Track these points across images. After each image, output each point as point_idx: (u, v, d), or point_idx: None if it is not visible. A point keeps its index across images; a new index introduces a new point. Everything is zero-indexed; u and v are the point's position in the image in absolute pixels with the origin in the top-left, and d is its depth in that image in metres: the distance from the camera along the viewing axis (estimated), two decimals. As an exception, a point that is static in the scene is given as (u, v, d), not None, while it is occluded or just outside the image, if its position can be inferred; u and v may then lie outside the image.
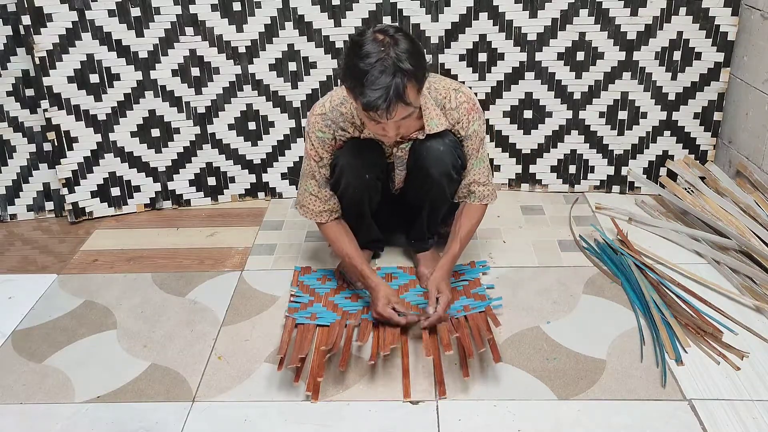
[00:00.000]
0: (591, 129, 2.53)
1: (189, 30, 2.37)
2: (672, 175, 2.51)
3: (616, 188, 2.60)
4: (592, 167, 2.58)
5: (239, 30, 2.39)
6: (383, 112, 1.58)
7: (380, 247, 2.18)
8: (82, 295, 2.04)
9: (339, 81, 1.66)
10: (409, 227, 2.09)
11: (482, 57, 2.46)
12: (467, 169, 1.92)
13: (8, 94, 2.39)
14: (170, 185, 2.56)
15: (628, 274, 2.02)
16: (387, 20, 2.40)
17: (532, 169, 2.61)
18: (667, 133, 2.51)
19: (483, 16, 2.41)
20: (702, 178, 2.42)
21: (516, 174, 2.62)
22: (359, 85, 1.58)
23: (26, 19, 2.23)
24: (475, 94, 2.48)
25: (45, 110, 2.34)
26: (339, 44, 2.42)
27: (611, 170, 2.58)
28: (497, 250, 2.23)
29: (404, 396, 1.60)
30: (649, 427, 1.51)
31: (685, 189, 2.39)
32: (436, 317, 1.76)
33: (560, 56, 2.44)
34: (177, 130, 2.49)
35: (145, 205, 2.57)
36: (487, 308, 1.85)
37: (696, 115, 2.48)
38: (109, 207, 2.52)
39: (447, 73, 2.48)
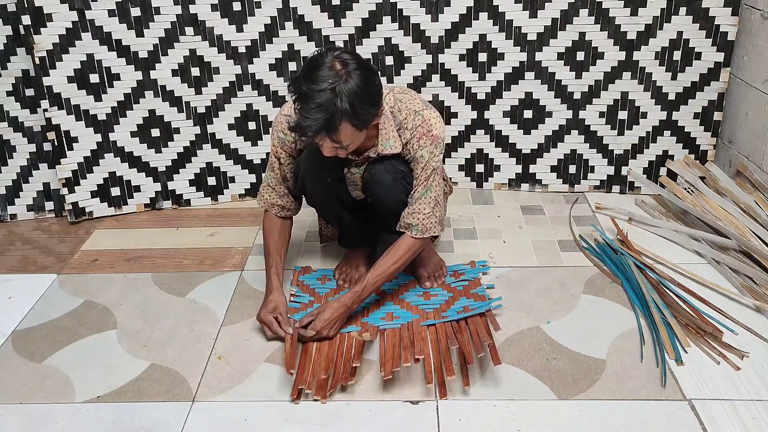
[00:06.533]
0: (591, 129, 2.53)
1: (189, 30, 2.37)
2: (672, 175, 2.51)
3: (616, 188, 2.60)
4: (592, 167, 2.59)
5: (239, 30, 2.39)
6: (307, 138, 1.63)
7: (372, 240, 2.16)
8: (82, 295, 2.04)
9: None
10: (393, 231, 2.08)
11: (482, 57, 2.46)
12: (412, 196, 1.81)
13: (8, 94, 2.38)
14: (170, 185, 2.56)
15: (628, 274, 2.02)
16: (387, 20, 2.40)
17: (532, 169, 2.61)
18: (667, 133, 2.51)
19: (483, 16, 2.41)
20: (702, 178, 2.42)
21: (516, 174, 2.62)
22: (297, 104, 1.60)
23: (26, 19, 2.23)
24: (473, 94, 2.51)
25: (45, 110, 2.34)
26: (339, 44, 2.42)
27: (611, 170, 2.58)
28: (497, 250, 2.23)
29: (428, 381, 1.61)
30: (649, 427, 1.51)
31: (685, 189, 2.39)
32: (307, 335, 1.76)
33: (560, 56, 2.44)
34: (177, 130, 2.49)
35: (145, 205, 2.57)
36: (488, 312, 1.84)
37: (696, 115, 2.48)
38: (109, 207, 2.52)
39: (447, 73, 2.48)
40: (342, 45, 2.41)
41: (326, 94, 1.55)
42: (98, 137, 2.43)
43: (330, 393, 1.61)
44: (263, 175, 1.97)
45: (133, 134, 2.46)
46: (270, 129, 1.93)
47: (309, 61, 1.63)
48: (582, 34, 2.41)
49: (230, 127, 2.52)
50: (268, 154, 2.55)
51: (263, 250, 1.96)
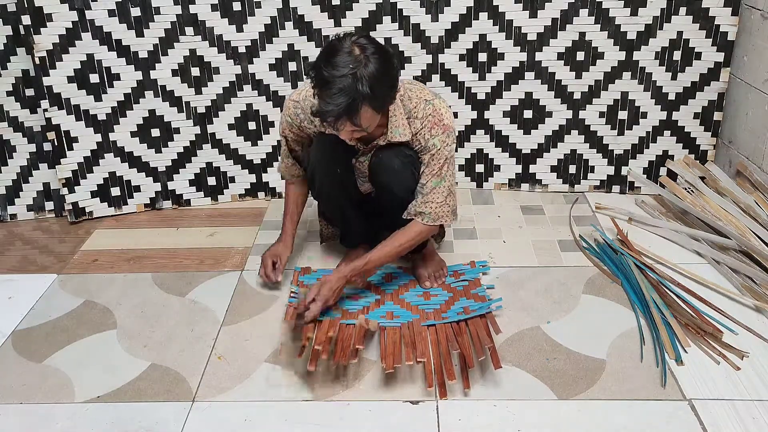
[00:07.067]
0: (591, 129, 2.53)
1: (189, 30, 2.37)
2: (672, 175, 2.51)
3: (616, 188, 2.60)
4: (592, 167, 2.59)
5: (239, 30, 2.39)
6: (329, 124, 1.64)
7: (373, 239, 2.16)
8: (82, 295, 2.04)
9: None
10: (395, 229, 2.07)
11: (482, 57, 2.46)
12: (424, 186, 1.81)
13: (8, 94, 2.38)
14: (170, 185, 2.56)
15: (628, 274, 2.02)
16: (387, 20, 2.40)
17: (532, 169, 2.61)
18: (667, 133, 2.51)
19: (483, 16, 2.41)
20: (702, 178, 2.42)
21: (516, 174, 2.62)
22: (318, 90, 1.62)
23: (26, 19, 2.23)
24: (473, 94, 2.51)
25: (45, 110, 2.34)
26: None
27: (611, 170, 2.58)
28: (497, 250, 2.23)
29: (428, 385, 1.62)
30: (649, 427, 1.51)
31: (685, 189, 2.39)
32: (309, 318, 1.78)
33: (560, 56, 2.44)
34: (177, 130, 2.49)
35: (145, 205, 2.57)
36: (488, 314, 1.84)
37: (696, 115, 2.48)
38: (109, 207, 2.52)
39: (447, 73, 2.48)
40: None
41: (347, 79, 1.57)
42: (98, 137, 2.43)
43: (334, 364, 1.65)
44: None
45: (133, 134, 2.46)
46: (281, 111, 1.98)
47: (327, 47, 1.65)
48: (582, 34, 2.41)
49: (230, 127, 2.52)
50: (268, 153, 2.58)
51: (284, 206, 2.09)
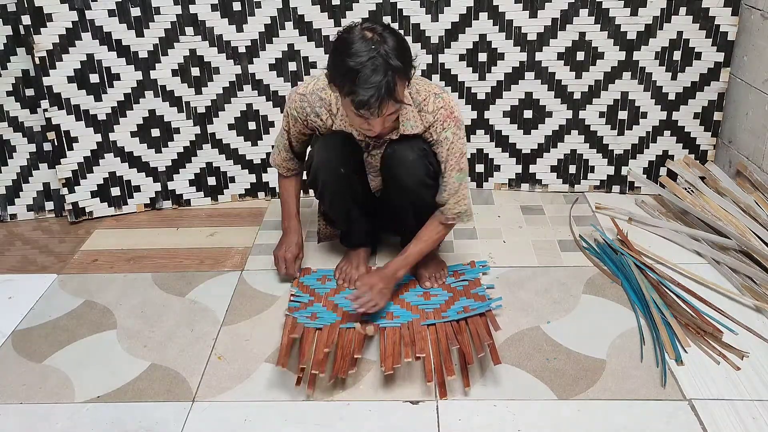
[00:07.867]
0: (591, 129, 2.53)
1: (189, 30, 2.37)
2: (672, 175, 2.51)
3: (616, 188, 2.60)
4: (592, 167, 2.59)
5: (239, 30, 2.39)
6: (375, 110, 1.61)
7: (374, 240, 2.17)
8: (82, 295, 2.04)
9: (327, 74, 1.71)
10: (401, 230, 2.08)
11: (482, 57, 2.46)
12: (450, 184, 1.84)
13: (8, 94, 2.38)
14: (170, 185, 2.56)
15: (628, 274, 2.02)
16: (387, 20, 2.40)
17: (532, 169, 2.61)
18: (667, 133, 2.51)
19: (483, 16, 2.41)
20: (702, 178, 2.42)
21: (516, 174, 2.62)
22: (350, 83, 1.60)
23: (26, 19, 2.23)
24: (473, 94, 2.51)
25: (45, 110, 2.34)
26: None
27: (611, 170, 2.58)
28: (497, 250, 2.23)
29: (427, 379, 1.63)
30: (649, 427, 1.51)
31: (685, 189, 2.39)
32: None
33: (560, 56, 2.44)
34: (177, 130, 2.49)
35: (145, 205, 2.57)
36: (488, 312, 1.84)
37: (696, 115, 2.48)
38: (109, 207, 2.52)
39: (447, 73, 2.48)
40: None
41: (377, 59, 1.58)
42: (98, 137, 2.43)
43: (331, 380, 1.62)
44: (275, 138, 2.06)
45: (133, 134, 2.46)
46: (285, 105, 1.96)
47: (339, 42, 1.65)
48: (582, 34, 2.41)
49: (230, 127, 2.52)
50: (268, 153, 2.57)
51: (281, 203, 2.11)
